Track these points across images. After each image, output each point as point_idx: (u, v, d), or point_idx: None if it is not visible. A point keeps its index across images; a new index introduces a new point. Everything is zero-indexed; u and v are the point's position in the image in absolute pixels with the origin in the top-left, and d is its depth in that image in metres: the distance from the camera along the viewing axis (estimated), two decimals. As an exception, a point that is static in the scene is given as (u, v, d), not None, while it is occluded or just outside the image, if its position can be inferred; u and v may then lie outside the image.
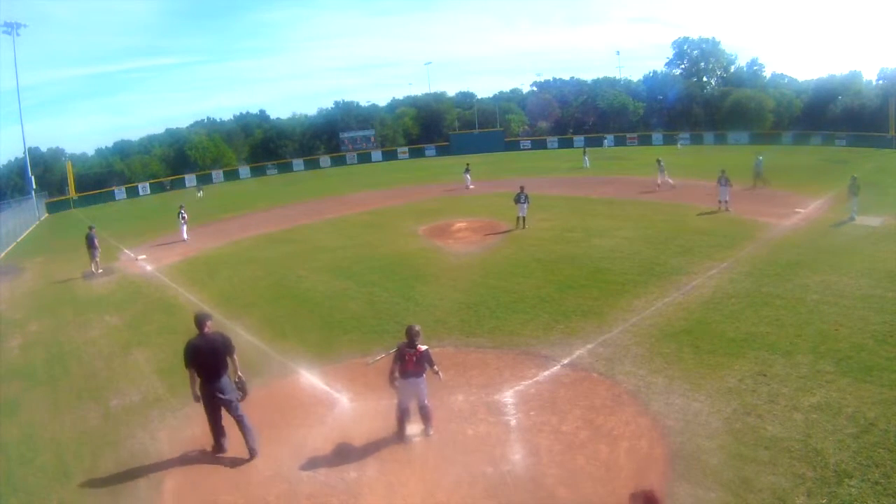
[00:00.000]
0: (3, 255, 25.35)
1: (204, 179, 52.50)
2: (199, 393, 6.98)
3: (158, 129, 67.48)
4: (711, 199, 21.36)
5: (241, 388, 7.24)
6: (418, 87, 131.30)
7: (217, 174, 55.21)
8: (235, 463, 6.96)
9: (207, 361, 6.92)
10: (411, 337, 6.89)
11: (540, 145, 60.44)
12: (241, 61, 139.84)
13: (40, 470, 7.21)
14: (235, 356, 7.15)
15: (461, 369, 8.99)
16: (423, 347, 6.95)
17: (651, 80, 68.79)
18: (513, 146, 60.44)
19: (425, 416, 7.18)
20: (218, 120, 70.27)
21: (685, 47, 67.86)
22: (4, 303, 16.34)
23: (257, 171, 56.99)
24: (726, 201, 20.66)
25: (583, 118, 67.57)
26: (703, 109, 61.88)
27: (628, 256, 15.10)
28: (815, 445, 6.40)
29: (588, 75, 79.42)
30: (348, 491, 6.26)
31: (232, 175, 55.83)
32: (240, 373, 7.23)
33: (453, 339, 10.31)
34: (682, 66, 68.13)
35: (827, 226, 17.72)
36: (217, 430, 7.13)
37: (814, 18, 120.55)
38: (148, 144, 63.20)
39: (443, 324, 11.07)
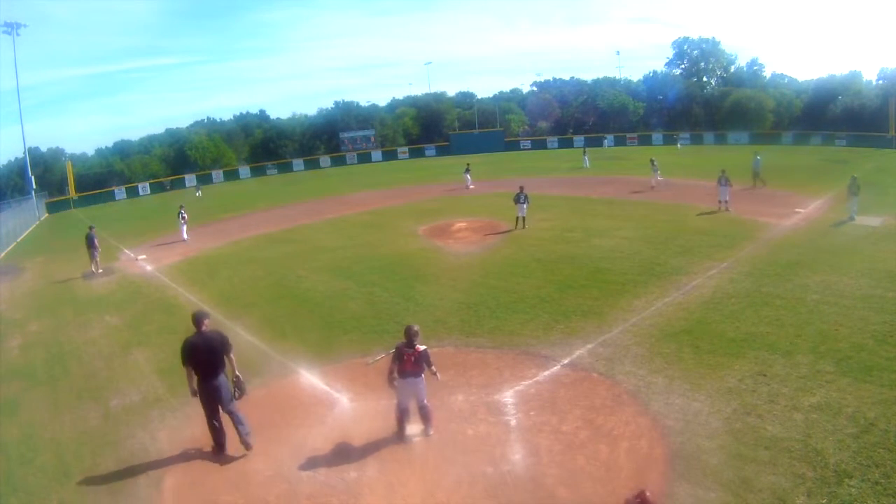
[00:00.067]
0: (3, 255, 25.35)
1: (204, 179, 52.47)
2: (195, 388, 7.03)
3: (158, 129, 67.63)
4: (711, 199, 21.35)
5: (239, 387, 7.26)
6: (418, 87, 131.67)
7: (217, 174, 55.17)
8: (235, 463, 6.97)
9: (205, 359, 6.97)
10: (410, 337, 6.90)
11: (540, 145, 60.41)
12: (241, 61, 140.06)
13: (40, 470, 7.21)
14: (233, 355, 7.19)
15: (461, 369, 9.00)
16: (422, 347, 6.96)
17: (651, 80, 68.76)
18: (513, 146, 60.41)
19: (425, 416, 7.18)
20: (218, 120, 70.39)
21: (685, 47, 67.88)
22: (4, 303, 16.34)
23: (257, 171, 56.96)
24: (726, 201, 20.66)
25: (583, 118, 67.55)
26: (703, 109, 61.88)
27: (628, 256, 15.10)
28: (815, 445, 6.41)
29: (588, 75, 79.54)
30: (348, 491, 6.26)
31: (232, 175, 55.79)
32: (237, 372, 7.25)
33: (453, 339, 10.31)
34: (682, 66, 68.14)
35: (827, 226, 17.72)
36: (216, 430, 7.14)
37: (814, 18, 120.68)
38: (148, 144, 63.17)
39: (443, 324, 11.07)
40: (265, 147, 63.81)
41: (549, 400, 7.92)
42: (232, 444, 7.22)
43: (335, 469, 6.66)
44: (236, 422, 7.13)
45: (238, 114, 71.11)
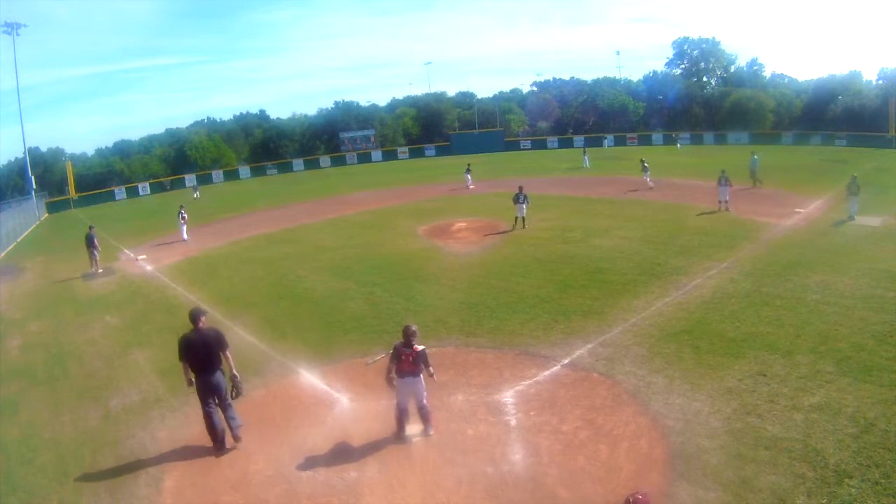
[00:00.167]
0: (3, 255, 25.35)
1: (204, 179, 52.44)
2: (192, 378, 7.11)
3: (158, 129, 67.74)
4: (711, 199, 21.35)
5: (237, 386, 7.29)
6: (418, 87, 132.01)
7: (217, 174, 55.16)
8: (235, 463, 6.97)
9: (200, 355, 7.05)
10: (408, 336, 6.90)
11: (540, 145, 60.40)
12: (241, 61, 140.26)
13: (40, 470, 7.21)
14: (229, 352, 7.25)
15: (461, 369, 9.00)
16: (420, 347, 6.95)
17: (651, 80, 68.77)
18: (513, 146, 60.39)
19: (424, 416, 7.18)
20: (218, 120, 70.35)
21: (685, 47, 67.92)
22: (4, 303, 16.34)
23: (257, 171, 56.95)
24: (726, 201, 20.67)
25: (583, 118, 67.54)
26: (703, 109, 61.90)
27: (628, 256, 15.10)
28: (815, 445, 6.40)
29: (588, 75, 79.49)
30: (348, 491, 6.26)
31: (232, 175, 55.77)
32: (235, 371, 7.28)
33: (453, 339, 10.31)
34: (682, 66, 68.17)
35: (827, 226, 17.72)
36: (213, 427, 7.16)
37: (814, 18, 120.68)
38: (148, 144, 63.22)
39: (443, 324, 11.07)
40: (265, 147, 63.81)
41: (549, 400, 7.92)
42: (232, 445, 7.24)
43: (335, 469, 6.66)
44: (229, 416, 7.25)
45: (238, 114, 71.27)
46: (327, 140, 64.88)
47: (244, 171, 57.29)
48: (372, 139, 63.11)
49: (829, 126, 50.40)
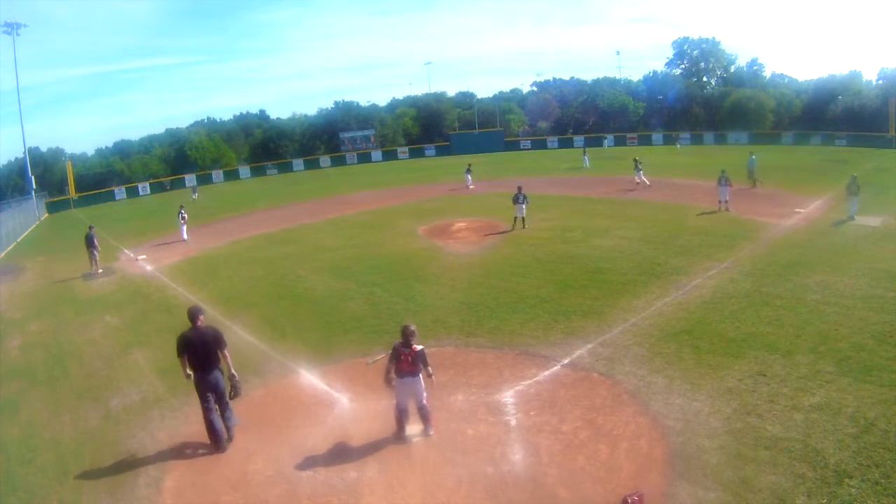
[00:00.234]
0: (3, 255, 25.35)
1: (204, 179, 52.46)
2: (189, 373, 7.15)
3: (158, 129, 67.73)
4: (711, 199, 21.35)
5: (235, 386, 7.30)
6: (418, 87, 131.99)
7: (217, 174, 55.17)
8: (235, 463, 6.96)
9: (199, 353, 7.10)
10: (406, 336, 6.90)
11: (540, 145, 60.40)
12: (241, 61, 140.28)
13: (40, 470, 7.21)
14: (227, 351, 7.28)
15: (461, 369, 9.00)
16: (419, 347, 6.95)
17: (651, 80, 68.75)
18: (513, 146, 60.39)
19: (424, 416, 7.18)
20: (218, 120, 70.35)
21: (685, 47, 67.90)
22: (4, 303, 16.34)
23: (257, 171, 56.95)
24: (726, 201, 20.67)
25: (583, 118, 67.53)
26: (703, 109, 61.89)
27: (628, 256, 15.10)
28: (815, 445, 6.40)
29: (588, 75, 79.49)
30: (348, 491, 6.26)
31: (232, 175, 55.78)
32: (233, 370, 7.29)
33: (453, 339, 10.31)
34: (682, 66, 68.15)
35: (827, 226, 17.72)
36: (214, 429, 7.17)
37: (814, 18, 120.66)
38: (148, 144, 63.21)
39: (443, 324, 11.07)
40: (265, 147, 63.81)
41: (549, 400, 7.92)
42: (232, 445, 7.24)
43: (335, 469, 6.66)
44: (225, 416, 7.29)
45: (238, 114, 71.25)
46: (327, 140, 64.89)
47: (244, 171, 57.30)
48: (372, 139, 63.12)
49: (829, 126, 50.39)
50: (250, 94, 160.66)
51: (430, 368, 7.02)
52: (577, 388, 8.25)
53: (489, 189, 30.13)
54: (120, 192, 50.01)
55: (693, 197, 23.43)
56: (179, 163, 57.42)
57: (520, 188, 19.75)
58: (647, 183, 27.35)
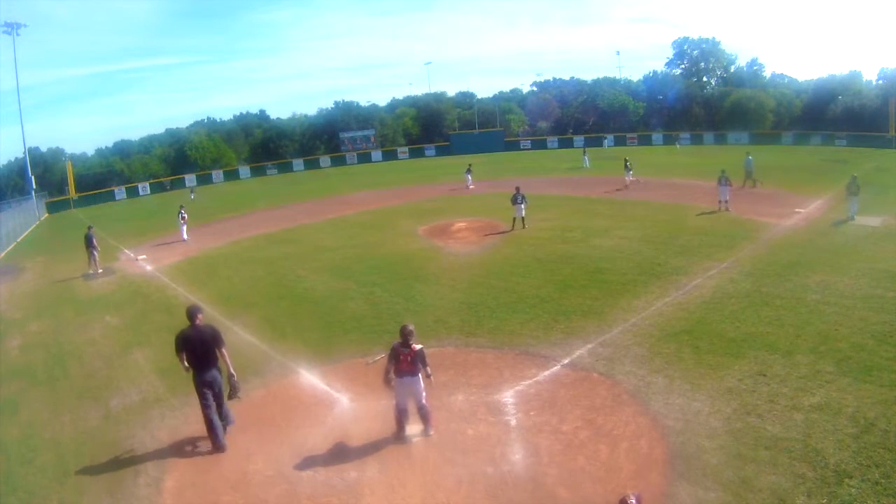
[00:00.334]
0: (3, 255, 25.35)
1: (204, 179, 52.46)
2: (188, 366, 7.17)
3: (158, 129, 67.72)
4: (711, 199, 21.36)
5: (234, 386, 7.31)
6: (418, 87, 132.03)
7: (217, 174, 55.17)
8: (235, 463, 6.96)
9: (197, 351, 7.12)
10: (405, 336, 6.90)
11: (540, 145, 60.39)
12: (241, 61, 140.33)
13: (40, 470, 7.21)
14: (225, 350, 7.30)
15: (461, 369, 9.00)
16: (418, 347, 6.95)
17: (651, 80, 68.74)
18: (513, 146, 60.38)
19: (424, 416, 7.18)
20: (218, 120, 70.33)
21: (685, 47, 67.88)
22: (4, 303, 16.34)
23: (257, 171, 56.95)
24: (726, 201, 20.68)
25: (583, 118, 67.52)
26: (703, 109, 61.87)
27: (628, 256, 15.10)
28: (815, 445, 6.40)
29: (588, 75, 79.40)
30: (348, 491, 6.26)
31: (232, 175, 55.77)
32: (232, 370, 7.30)
33: (453, 339, 10.31)
34: (682, 66, 68.13)
35: (827, 226, 17.72)
36: (214, 429, 7.18)
37: (814, 18, 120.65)
38: (148, 144, 63.21)
39: (443, 324, 11.07)
40: (265, 147, 63.81)
41: (549, 400, 7.92)
42: (232, 444, 7.24)
43: (335, 469, 6.66)
44: (222, 415, 7.32)
45: (238, 114, 71.22)
46: (327, 140, 64.88)
47: (244, 171, 57.30)
48: (372, 139, 63.10)
49: (829, 126, 50.37)
50: (250, 94, 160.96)
51: (428, 368, 7.02)
52: (577, 388, 8.25)
53: (489, 189, 30.13)
54: (120, 192, 50.00)
55: (693, 197, 23.43)
56: (179, 163, 57.42)
57: (518, 189, 19.73)
58: (628, 182, 27.99)
